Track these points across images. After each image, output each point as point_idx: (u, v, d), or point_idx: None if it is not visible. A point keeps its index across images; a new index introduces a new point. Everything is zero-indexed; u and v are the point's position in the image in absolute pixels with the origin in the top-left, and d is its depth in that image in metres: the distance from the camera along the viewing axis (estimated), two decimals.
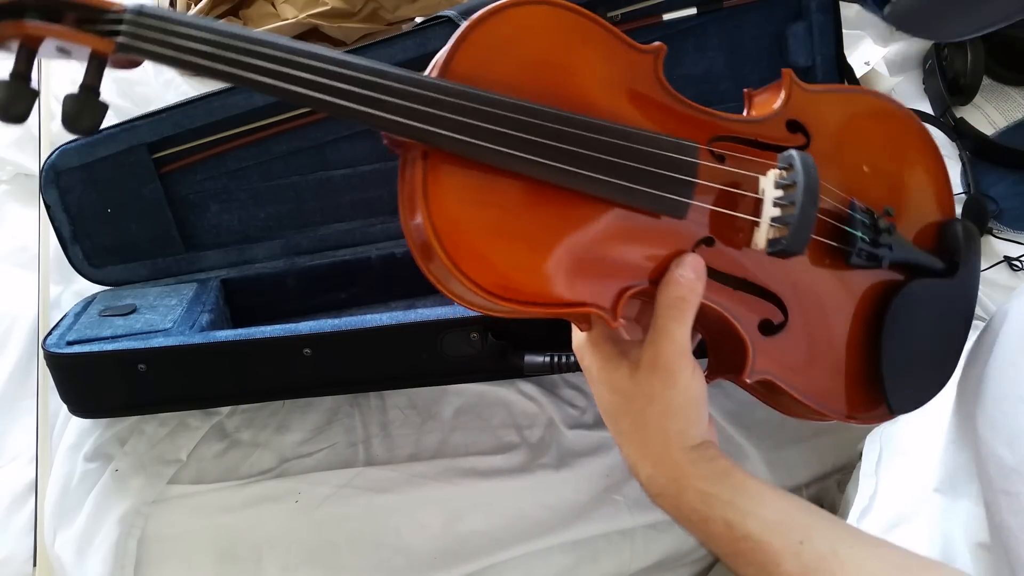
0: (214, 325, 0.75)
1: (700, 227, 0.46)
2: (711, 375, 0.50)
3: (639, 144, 0.44)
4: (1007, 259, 0.84)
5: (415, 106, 0.41)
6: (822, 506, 0.76)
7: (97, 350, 0.68)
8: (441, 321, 0.68)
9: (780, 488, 0.46)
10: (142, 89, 0.99)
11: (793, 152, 0.46)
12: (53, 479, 0.72)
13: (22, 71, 0.40)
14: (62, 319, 0.75)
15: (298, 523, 0.70)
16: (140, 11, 0.41)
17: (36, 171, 0.84)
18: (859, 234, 0.48)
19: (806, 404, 0.48)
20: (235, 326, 0.80)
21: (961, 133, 0.96)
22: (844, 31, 0.86)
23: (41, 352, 0.72)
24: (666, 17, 0.81)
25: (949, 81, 0.99)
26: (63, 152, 0.78)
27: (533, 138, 0.42)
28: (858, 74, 0.91)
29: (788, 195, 0.45)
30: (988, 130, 0.98)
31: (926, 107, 1.00)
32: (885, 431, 0.67)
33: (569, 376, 0.78)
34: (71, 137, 0.80)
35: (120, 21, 0.40)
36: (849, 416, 0.50)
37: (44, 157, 0.79)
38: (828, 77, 0.86)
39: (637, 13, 0.80)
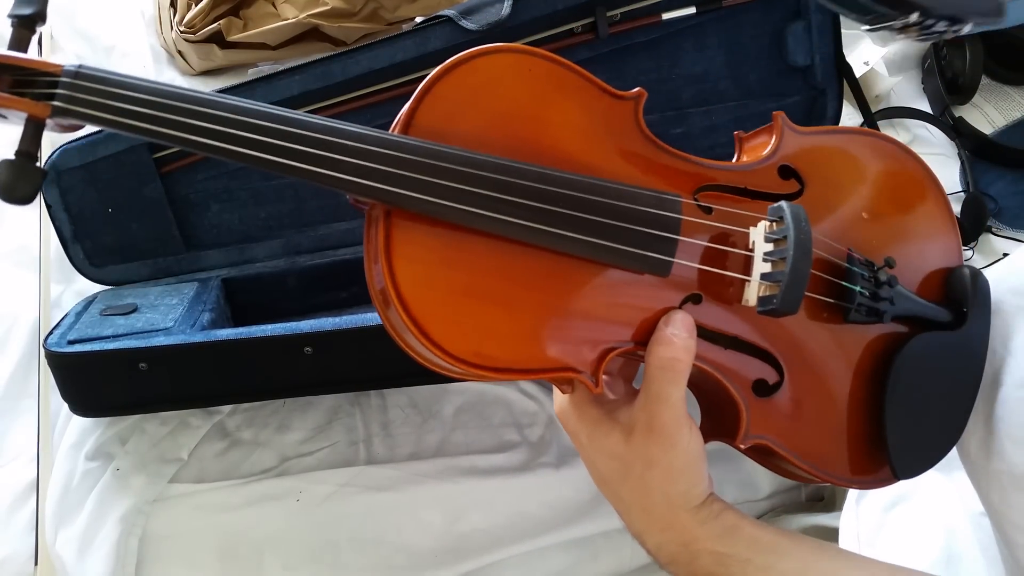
0: (215, 324, 0.75)
1: (687, 284, 0.43)
2: (706, 439, 0.46)
3: (617, 200, 0.41)
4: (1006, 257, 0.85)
5: (373, 166, 0.38)
6: (822, 497, 0.77)
7: (98, 349, 0.68)
8: None
9: (791, 532, 0.45)
10: None
11: (783, 204, 0.43)
12: (54, 478, 0.72)
13: None
14: (63, 318, 0.75)
15: (299, 522, 0.71)
16: (78, 73, 0.38)
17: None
18: (858, 288, 0.44)
19: (805, 468, 0.45)
20: (236, 325, 0.81)
21: (960, 132, 0.96)
22: (843, 31, 0.86)
23: (42, 351, 0.72)
24: (665, 16, 0.81)
25: (948, 80, 0.99)
26: (64, 152, 0.78)
27: (501, 196, 0.39)
28: (857, 74, 0.92)
29: (779, 250, 0.42)
30: (987, 129, 0.98)
31: (925, 106, 1.01)
32: None
33: None
34: (72, 136, 0.80)
35: (56, 84, 0.38)
36: (851, 481, 0.47)
37: (45, 157, 0.80)
38: (827, 76, 0.86)
39: (636, 12, 0.81)
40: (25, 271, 0.88)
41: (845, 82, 0.88)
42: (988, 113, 1.00)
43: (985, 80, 1.00)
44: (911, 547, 0.57)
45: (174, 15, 1.02)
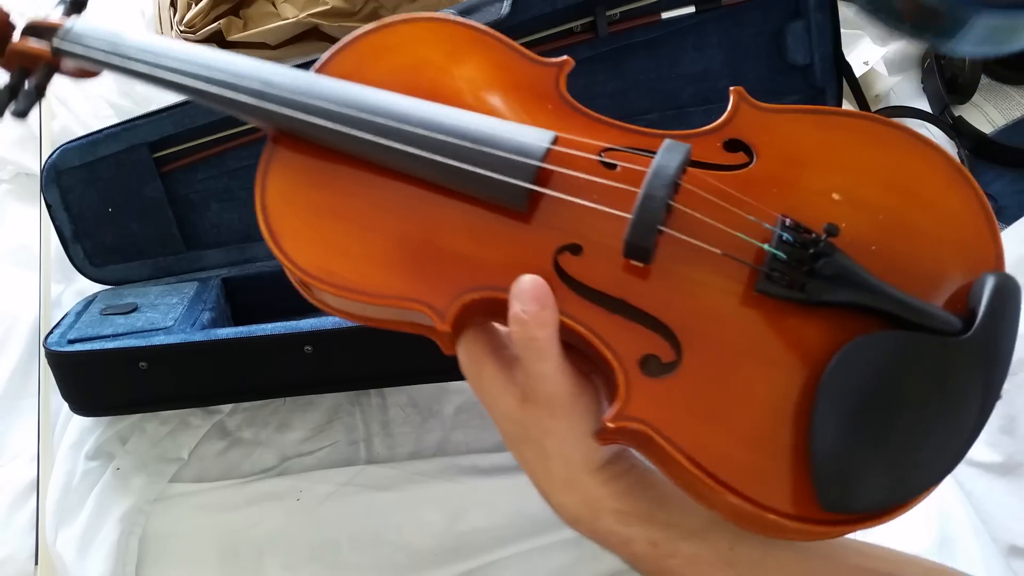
0: (215, 323, 0.75)
1: (562, 229, 0.40)
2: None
3: (481, 124, 0.42)
4: None
5: (251, 87, 0.44)
6: None
7: (98, 348, 0.68)
8: None
9: None
10: (143, 89, 0.99)
11: (667, 139, 0.40)
12: (54, 478, 0.72)
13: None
14: (63, 318, 0.75)
15: (299, 521, 0.71)
16: (71, 29, 0.49)
17: (37, 170, 0.84)
18: (771, 248, 0.37)
19: (702, 480, 0.36)
20: (236, 324, 0.81)
21: (960, 132, 0.96)
22: (843, 30, 0.86)
23: (42, 351, 0.72)
24: (665, 16, 0.81)
25: (947, 80, 0.99)
26: (64, 151, 0.78)
27: (362, 115, 0.42)
28: (857, 73, 0.92)
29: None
30: (987, 128, 0.98)
31: (925, 106, 1.01)
32: None
33: None
34: (72, 136, 0.80)
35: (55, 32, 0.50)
36: (769, 508, 0.36)
37: (45, 156, 0.80)
38: (826, 75, 0.86)
39: (635, 11, 0.81)
40: (25, 271, 0.88)
41: (845, 81, 0.88)
42: (988, 112, 1.00)
43: (985, 79, 1.00)
44: (906, 531, 0.57)
45: (174, 15, 1.02)
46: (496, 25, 0.76)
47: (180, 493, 0.72)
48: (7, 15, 0.51)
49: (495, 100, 0.45)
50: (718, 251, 0.39)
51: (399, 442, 0.75)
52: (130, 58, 0.47)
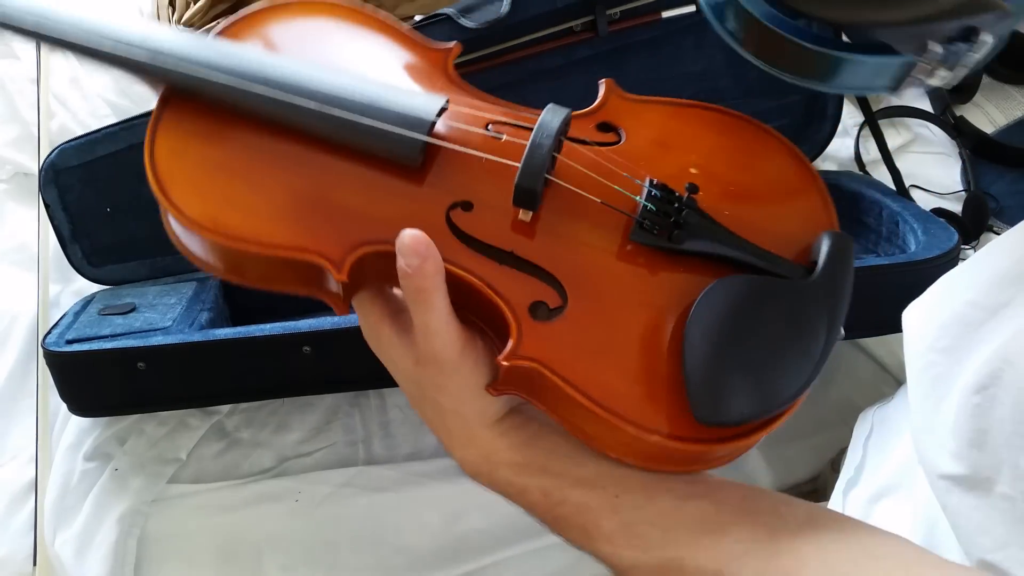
0: (213, 323, 0.75)
1: (453, 186, 0.43)
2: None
3: (383, 85, 0.44)
4: None
5: (144, 45, 0.44)
6: (815, 491, 0.77)
7: (96, 348, 0.68)
8: None
9: None
10: (141, 88, 0.99)
11: (551, 104, 0.45)
12: (53, 478, 0.72)
13: None
14: (61, 318, 0.75)
15: (298, 522, 0.70)
16: None
17: (35, 170, 0.84)
18: (642, 200, 0.43)
19: (592, 409, 0.40)
20: (234, 324, 0.80)
21: (961, 131, 0.96)
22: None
23: (40, 351, 0.72)
24: (665, 15, 0.80)
25: None
26: (62, 151, 0.78)
27: (255, 70, 0.43)
28: None
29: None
30: (988, 128, 0.98)
31: (926, 105, 1.00)
32: (878, 411, 0.67)
33: None
34: (70, 136, 0.80)
35: None
36: (652, 429, 0.40)
37: (43, 156, 0.79)
38: None
39: (636, 10, 0.80)
40: (23, 270, 0.88)
41: None
42: (989, 112, 1.00)
43: (986, 79, 1.00)
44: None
45: (172, 13, 1.01)
46: (496, 24, 0.76)
47: (178, 494, 0.72)
48: None
49: (390, 70, 0.48)
50: (597, 200, 0.44)
51: (398, 443, 0.75)
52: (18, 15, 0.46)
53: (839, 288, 0.43)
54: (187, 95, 0.45)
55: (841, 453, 0.75)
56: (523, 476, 0.42)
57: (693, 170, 0.47)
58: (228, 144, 0.44)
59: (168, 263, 0.83)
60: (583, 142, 0.46)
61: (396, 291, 0.44)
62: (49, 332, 0.72)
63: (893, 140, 0.95)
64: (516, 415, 0.44)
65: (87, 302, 0.78)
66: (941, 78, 0.43)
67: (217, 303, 0.78)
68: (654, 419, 0.40)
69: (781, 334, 0.41)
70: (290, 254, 0.41)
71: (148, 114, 0.76)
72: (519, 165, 0.42)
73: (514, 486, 0.43)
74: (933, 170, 0.95)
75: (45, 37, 0.46)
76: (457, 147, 0.44)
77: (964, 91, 0.99)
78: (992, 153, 0.95)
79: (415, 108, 0.43)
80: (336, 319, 0.68)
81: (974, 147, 0.95)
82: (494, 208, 0.43)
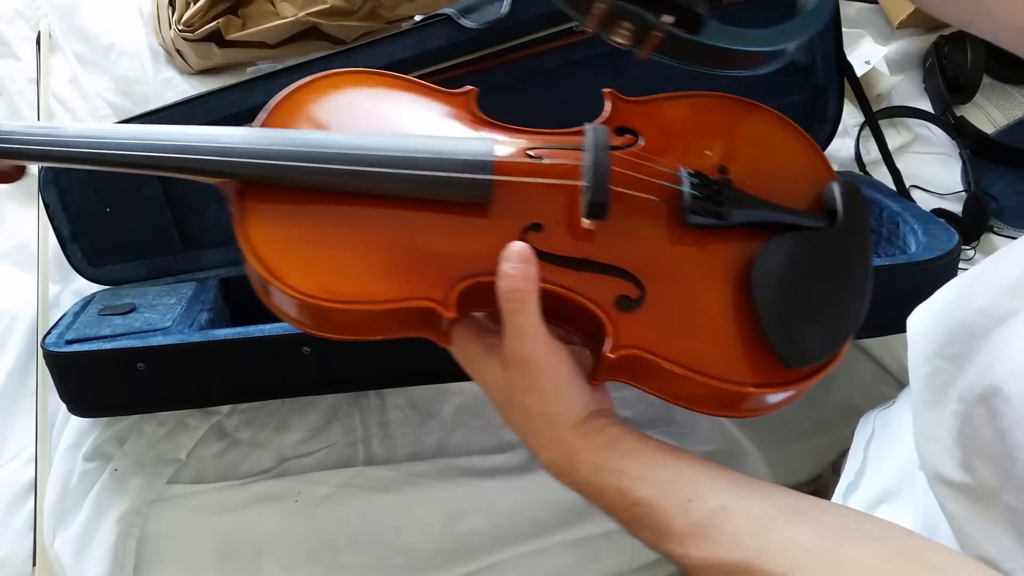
0: (213, 324, 0.75)
1: (522, 213, 0.48)
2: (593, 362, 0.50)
3: (432, 145, 0.48)
4: None
5: (212, 146, 0.47)
6: (816, 492, 0.77)
7: (96, 349, 0.68)
8: None
9: (678, 447, 0.46)
10: (141, 88, 0.99)
11: (585, 124, 0.50)
12: (52, 479, 0.72)
13: None
14: (61, 318, 0.75)
15: (298, 523, 0.70)
16: None
17: (35, 170, 0.83)
18: (687, 189, 0.49)
19: (690, 377, 0.46)
20: (234, 324, 0.80)
21: (961, 131, 0.96)
22: (844, 29, 0.85)
23: (40, 351, 0.72)
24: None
25: (949, 79, 0.99)
26: None
27: (326, 151, 0.47)
28: (858, 73, 0.91)
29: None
30: (988, 128, 0.98)
31: (927, 105, 1.00)
32: (880, 415, 0.67)
33: None
34: None
35: None
36: (740, 382, 0.47)
37: None
38: (828, 75, 0.86)
39: None
40: (23, 271, 0.88)
41: (846, 81, 0.88)
42: (989, 112, 1.00)
43: (986, 79, 1.00)
44: None
45: (173, 14, 1.01)
46: (496, 24, 0.75)
47: (178, 494, 0.72)
48: None
49: (431, 123, 0.52)
50: (652, 197, 0.50)
51: (398, 443, 0.75)
52: (71, 145, 0.49)
53: (862, 224, 0.49)
54: (264, 184, 0.48)
55: (842, 455, 0.75)
56: (601, 477, 0.45)
57: (708, 152, 0.53)
58: (316, 220, 0.47)
59: (168, 263, 0.83)
60: (618, 148, 0.52)
61: (477, 314, 0.50)
62: (49, 332, 0.72)
63: (893, 140, 0.95)
64: (596, 418, 0.47)
65: (87, 302, 0.78)
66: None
67: (217, 303, 0.78)
68: (747, 374, 0.46)
69: (832, 275, 0.48)
70: (401, 304, 0.45)
71: (148, 114, 0.78)
72: (582, 183, 0.47)
73: (593, 485, 0.45)
74: (933, 170, 0.95)
75: (166, 165, 0.49)
76: (522, 178, 0.49)
77: (964, 91, 0.99)
78: (992, 153, 0.95)
79: (474, 152, 0.48)
80: None
81: (974, 147, 0.95)
82: (560, 224, 0.48)
